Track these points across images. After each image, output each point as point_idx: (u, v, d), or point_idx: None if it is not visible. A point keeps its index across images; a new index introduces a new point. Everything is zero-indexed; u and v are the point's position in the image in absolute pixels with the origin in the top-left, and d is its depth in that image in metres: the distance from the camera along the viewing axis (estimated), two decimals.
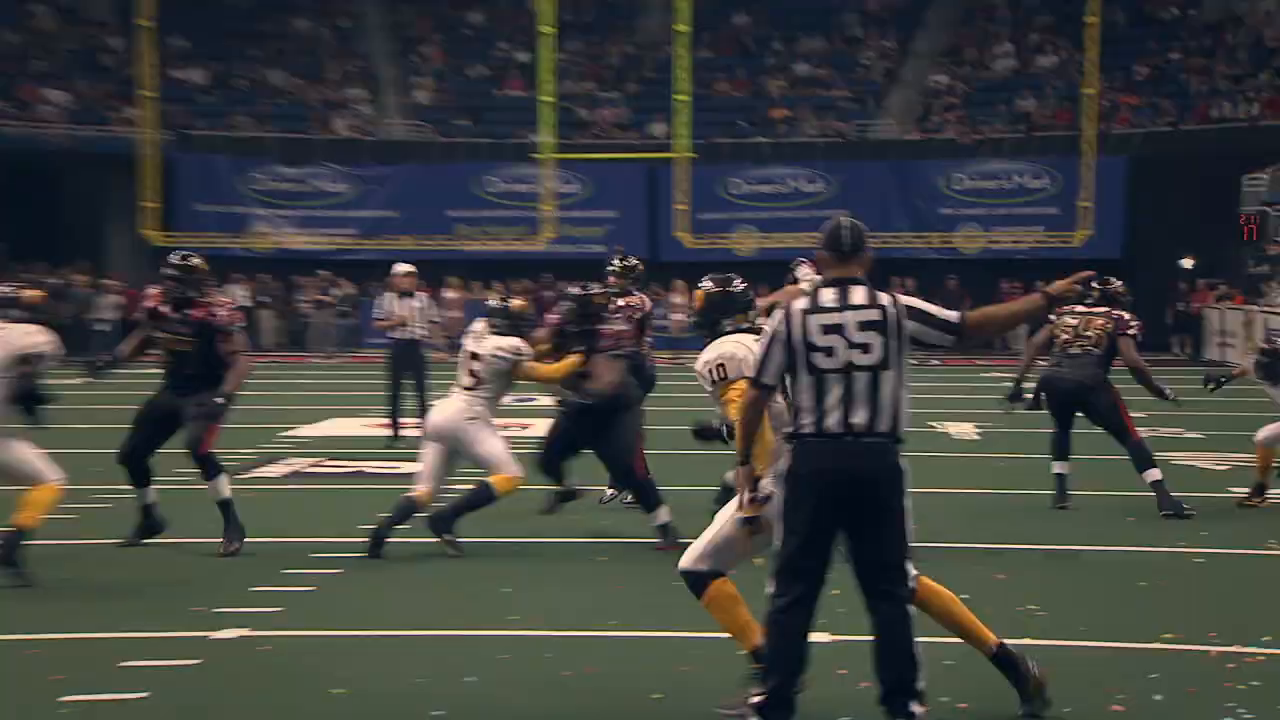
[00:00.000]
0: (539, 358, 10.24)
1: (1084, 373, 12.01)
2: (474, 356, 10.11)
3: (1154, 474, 11.78)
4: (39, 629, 7.60)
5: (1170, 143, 34.95)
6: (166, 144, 35.79)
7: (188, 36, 39.89)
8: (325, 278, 34.95)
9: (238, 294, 35.17)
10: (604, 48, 42.06)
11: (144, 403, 10.03)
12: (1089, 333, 12.03)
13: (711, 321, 6.84)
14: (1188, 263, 33.70)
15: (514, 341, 10.11)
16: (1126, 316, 12.05)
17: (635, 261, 12.19)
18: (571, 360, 10.16)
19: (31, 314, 9.52)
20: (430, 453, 9.99)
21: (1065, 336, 12.09)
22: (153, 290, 10.30)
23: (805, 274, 11.37)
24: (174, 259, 10.15)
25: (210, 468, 9.80)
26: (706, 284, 7.02)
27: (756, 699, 5.83)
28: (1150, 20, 39.91)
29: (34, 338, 9.11)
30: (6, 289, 9.55)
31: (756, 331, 6.47)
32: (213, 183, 36.79)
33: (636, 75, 40.97)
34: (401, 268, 16.70)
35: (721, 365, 6.49)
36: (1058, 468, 12.09)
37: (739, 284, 6.98)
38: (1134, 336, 11.98)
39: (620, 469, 10.42)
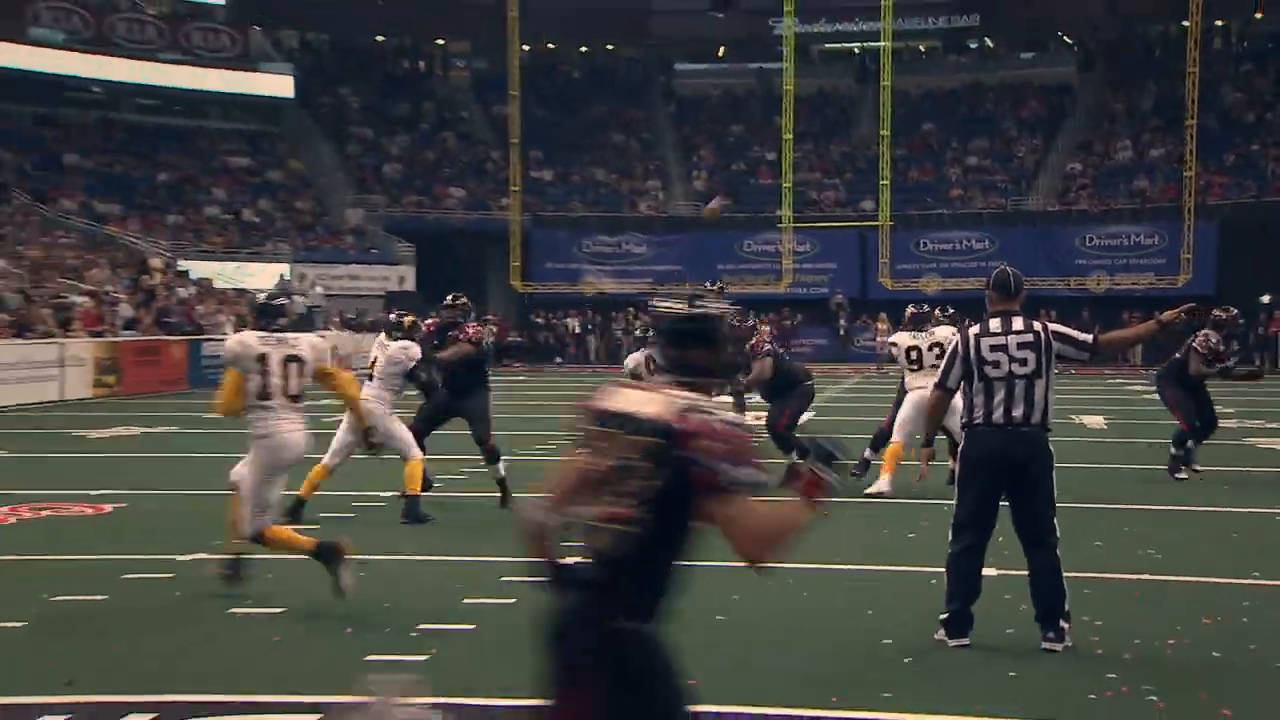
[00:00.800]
0: None
1: (1159, 380, 11.57)
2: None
3: (1176, 451, 11.01)
4: (448, 554, 7.80)
5: (1252, 211, 33.31)
6: (526, 223, 36.84)
7: (541, 149, 40.98)
8: (631, 312, 35.45)
9: (573, 324, 36.07)
10: (828, 148, 41.65)
11: (428, 402, 9.64)
12: (1177, 351, 11.37)
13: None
14: (1265, 298, 31.90)
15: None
16: (1199, 337, 11.03)
17: None
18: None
19: (408, 334, 9.20)
20: None
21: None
22: (426, 322, 9.79)
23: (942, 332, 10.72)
24: (450, 300, 9.82)
25: (493, 454, 9.38)
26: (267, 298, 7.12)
27: (943, 616, 5.68)
28: (1237, 122, 38.11)
29: (408, 350, 9.05)
30: (393, 316, 9.53)
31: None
32: (557, 248, 37.60)
33: (851, 167, 40.46)
34: None
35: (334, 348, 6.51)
36: (1173, 449, 11.16)
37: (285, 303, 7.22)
38: (1198, 351, 11.02)
39: (771, 431, 10.55)
